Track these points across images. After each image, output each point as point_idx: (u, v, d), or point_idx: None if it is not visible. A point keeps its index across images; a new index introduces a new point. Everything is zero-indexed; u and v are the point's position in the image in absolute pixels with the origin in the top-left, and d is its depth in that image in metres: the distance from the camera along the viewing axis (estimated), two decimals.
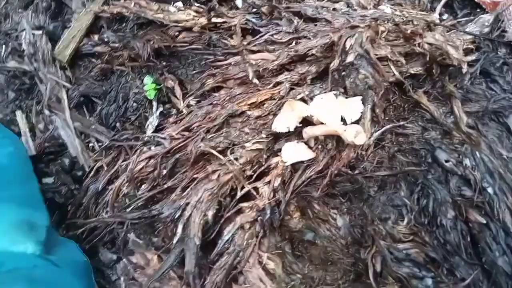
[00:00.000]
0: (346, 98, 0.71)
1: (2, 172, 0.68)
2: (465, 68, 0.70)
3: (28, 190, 0.69)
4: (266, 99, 0.74)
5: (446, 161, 0.64)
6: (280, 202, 0.66)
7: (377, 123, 0.69)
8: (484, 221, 0.60)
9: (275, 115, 0.72)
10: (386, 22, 0.75)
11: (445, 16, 0.83)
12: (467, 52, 0.74)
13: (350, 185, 0.65)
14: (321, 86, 0.75)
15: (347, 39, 0.70)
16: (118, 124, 0.89)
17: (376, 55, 0.70)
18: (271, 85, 0.76)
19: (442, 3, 0.79)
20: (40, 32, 0.96)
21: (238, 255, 0.63)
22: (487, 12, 0.79)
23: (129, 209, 0.73)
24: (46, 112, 0.90)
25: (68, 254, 0.66)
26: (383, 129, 0.68)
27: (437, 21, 0.77)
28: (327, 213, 0.64)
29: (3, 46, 0.98)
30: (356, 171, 0.66)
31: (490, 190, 0.61)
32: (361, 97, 0.69)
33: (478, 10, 0.81)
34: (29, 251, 0.59)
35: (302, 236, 0.64)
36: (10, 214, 0.62)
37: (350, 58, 0.68)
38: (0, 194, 0.64)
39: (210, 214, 0.65)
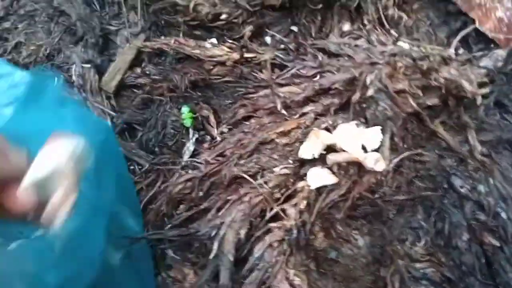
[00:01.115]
0: (367, 127, 0.77)
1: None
2: (479, 100, 0.75)
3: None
4: (293, 128, 0.81)
5: (461, 187, 0.69)
6: (306, 223, 0.72)
7: (396, 151, 0.74)
8: (498, 244, 0.64)
9: (301, 142, 0.79)
10: (404, 57, 0.81)
11: (460, 51, 0.88)
12: (481, 85, 0.79)
13: (370, 208, 0.70)
14: (344, 116, 0.81)
15: (367, 74, 0.76)
16: (157, 149, 0.97)
17: (395, 88, 0.76)
18: (297, 116, 0.82)
19: (457, 38, 0.84)
20: (89, 65, 1.05)
21: (267, 271, 0.69)
22: (501, 48, 0.84)
23: (168, 227, 0.80)
24: None
25: None
26: (401, 156, 0.74)
27: (453, 56, 0.83)
28: (349, 233, 0.69)
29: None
30: (376, 195, 0.71)
31: (503, 215, 0.66)
32: (380, 127, 0.75)
33: (492, 45, 0.86)
34: None
35: (326, 255, 0.69)
36: None
37: (370, 92, 0.75)
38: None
39: (242, 233, 0.72)
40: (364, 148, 0.74)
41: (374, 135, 0.75)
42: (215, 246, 0.70)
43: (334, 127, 0.80)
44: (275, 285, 0.68)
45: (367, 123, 0.78)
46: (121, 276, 0.68)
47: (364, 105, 0.77)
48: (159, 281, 0.77)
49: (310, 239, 0.71)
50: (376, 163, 0.71)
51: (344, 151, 0.74)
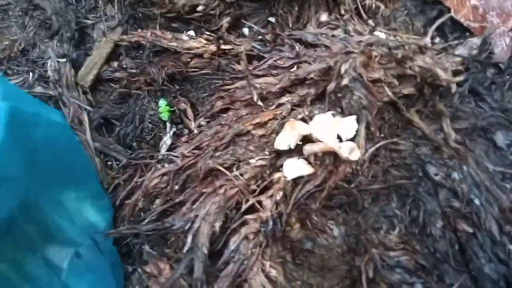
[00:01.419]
0: (343, 117, 0.76)
1: None
2: (453, 88, 0.75)
3: None
4: (269, 119, 0.80)
5: (436, 175, 0.69)
6: (282, 214, 0.71)
7: (372, 140, 0.74)
8: (471, 231, 0.64)
9: (277, 133, 0.78)
10: (379, 47, 0.81)
11: (437, 40, 0.88)
12: (456, 73, 0.79)
13: (346, 198, 0.70)
14: (320, 107, 0.80)
15: (342, 64, 0.76)
16: (134, 144, 0.96)
17: (370, 77, 0.76)
18: (274, 106, 0.82)
19: (433, 27, 0.84)
20: (65, 60, 1.03)
21: (243, 264, 0.68)
22: (475, 36, 0.84)
23: (144, 222, 0.79)
24: None
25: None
26: (377, 145, 0.73)
27: (429, 45, 0.83)
28: (325, 224, 0.69)
29: (30, 73, 1.05)
30: (352, 185, 0.71)
31: (477, 201, 0.66)
32: (355, 116, 0.75)
33: (467, 34, 0.86)
34: None
35: (302, 246, 0.69)
36: None
37: (345, 81, 0.74)
38: None
39: (217, 225, 0.71)
40: (339, 138, 0.74)
41: (349, 125, 0.75)
42: (189, 239, 0.69)
43: (311, 118, 0.79)
44: (251, 277, 0.67)
45: (343, 113, 0.77)
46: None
47: (339, 95, 0.77)
48: (136, 278, 0.76)
49: (286, 230, 0.70)
50: (351, 152, 0.71)
51: (320, 141, 0.74)
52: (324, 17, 0.96)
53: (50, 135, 0.68)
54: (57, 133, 0.72)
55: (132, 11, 1.05)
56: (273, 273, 0.68)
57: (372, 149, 0.73)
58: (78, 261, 0.72)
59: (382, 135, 0.77)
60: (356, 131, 0.74)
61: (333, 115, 0.76)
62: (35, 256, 0.67)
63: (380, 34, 0.87)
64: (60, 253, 0.70)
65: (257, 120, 0.80)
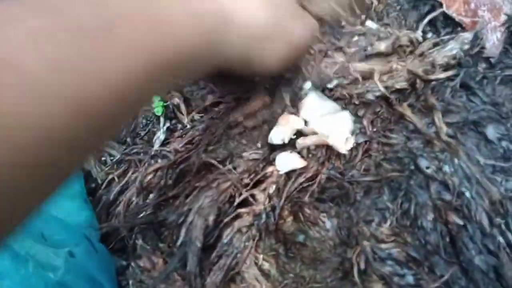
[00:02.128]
0: (337, 112, 0.77)
1: None
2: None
3: None
4: (259, 108, 0.80)
5: (427, 168, 0.69)
6: (275, 208, 0.72)
7: (364, 134, 0.74)
8: (462, 223, 0.64)
9: (269, 124, 0.78)
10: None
11: (429, 35, 0.88)
12: (448, 67, 0.80)
13: (338, 191, 0.70)
14: None
15: None
16: (129, 139, 0.96)
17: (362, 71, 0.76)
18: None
19: (425, 22, 0.85)
20: None
21: (236, 257, 0.68)
22: (467, 31, 0.84)
23: (138, 216, 0.79)
24: None
25: None
26: (370, 139, 0.74)
27: (420, 39, 0.83)
28: (317, 216, 0.69)
29: None
30: (345, 178, 0.71)
31: (467, 194, 0.66)
32: (348, 111, 0.75)
33: (459, 29, 0.86)
34: None
35: (294, 238, 0.69)
36: None
37: None
38: None
39: (210, 219, 0.71)
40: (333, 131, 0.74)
41: (344, 120, 0.75)
42: (183, 232, 0.69)
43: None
44: (244, 270, 0.67)
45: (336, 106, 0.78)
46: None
47: None
48: (130, 272, 0.76)
49: (279, 223, 0.70)
50: (345, 143, 0.71)
51: (314, 133, 0.74)
52: None
53: None
54: None
55: None
56: (266, 265, 0.69)
57: (365, 143, 0.74)
58: (73, 260, 0.72)
59: (375, 130, 0.77)
60: (350, 125, 0.74)
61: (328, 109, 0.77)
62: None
63: (372, 24, 0.87)
64: (54, 253, 0.70)
65: (247, 111, 0.80)
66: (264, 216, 0.70)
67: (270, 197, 0.72)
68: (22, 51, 0.31)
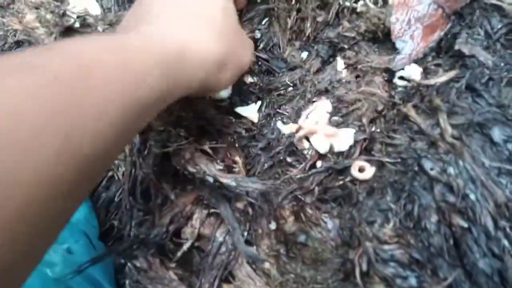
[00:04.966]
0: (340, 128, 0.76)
1: None
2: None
3: None
4: None
5: (431, 169, 0.68)
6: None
7: (363, 132, 0.74)
8: (466, 225, 0.63)
9: None
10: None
11: None
12: (453, 68, 0.79)
13: (340, 191, 0.69)
14: None
15: None
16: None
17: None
18: None
19: None
20: None
21: (230, 255, 0.68)
22: None
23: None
24: None
25: None
26: (372, 139, 0.73)
27: None
28: (319, 217, 0.69)
29: None
30: (347, 179, 0.70)
31: (472, 196, 0.65)
32: (354, 130, 0.75)
33: None
34: None
35: (296, 239, 0.68)
36: None
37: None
38: None
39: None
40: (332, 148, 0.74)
41: (346, 137, 0.74)
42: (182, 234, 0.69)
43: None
44: (237, 268, 0.66)
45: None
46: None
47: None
48: (126, 271, 0.75)
49: (280, 224, 0.69)
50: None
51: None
52: None
53: None
54: None
55: None
56: (266, 265, 0.68)
57: (367, 143, 0.73)
58: (71, 257, 0.71)
59: (378, 130, 0.76)
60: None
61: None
62: None
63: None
64: (52, 249, 0.70)
65: None
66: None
67: None
68: (2, 112, 0.31)
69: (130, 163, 0.75)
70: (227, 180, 0.68)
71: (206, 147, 0.77)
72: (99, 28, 0.94)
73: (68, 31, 0.90)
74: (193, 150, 0.74)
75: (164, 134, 0.77)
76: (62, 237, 0.71)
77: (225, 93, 0.81)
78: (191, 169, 0.70)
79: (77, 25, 0.93)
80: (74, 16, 0.94)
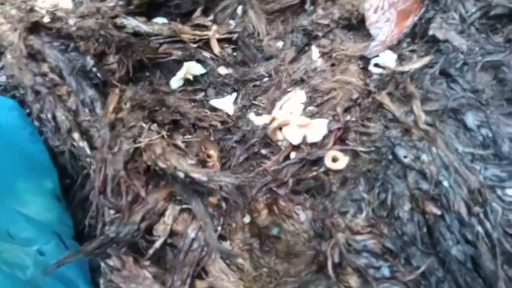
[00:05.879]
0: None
1: None
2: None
3: None
4: None
5: (405, 157, 0.68)
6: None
7: (338, 121, 0.73)
8: (439, 213, 0.63)
9: None
10: None
11: None
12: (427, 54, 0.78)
13: (313, 182, 0.68)
14: None
15: None
16: None
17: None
18: None
19: None
20: None
21: (203, 251, 0.66)
22: None
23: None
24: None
25: None
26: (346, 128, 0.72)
27: None
28: (292, 209, 0.68)
29: None
30: (320, 169, 0.69)
31: (445, 183, 0.64)
32: (327, 120, 0.74)
33: None
34: None
35: (269, 232, 0.67)
36: None
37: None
38: None
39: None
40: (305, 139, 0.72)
41: (318, 128, 0.73)
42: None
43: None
44: (209, 264, 0.65)
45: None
46: None
47: None
48: (100, 271, 0.74)
49: (254, 217, 0.68)
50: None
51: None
52: None
53: None
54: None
55: None
56: (240, 260, 0.67)
57: (341, 131, 0.72)
58: (43, 258, 0.70)
59: (353, 119, 0.75)
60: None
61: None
62: None
63: None
64: (22, 251, 0.68)
65: None
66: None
67: None
68: None
69: (101, 160, 0.73)
70: (198, 175, 0.67)
71: (179, 142, 0.76)
72: (70, 21, 0.92)
73: (35, 27, 0.87)
74: (165, 145, 0.72)
75: (135, 129, 0.76)
76: (32, 239, 0.70)
77: None
78: (161, 164, 0.69)
79: (46, 19, 0.91)
80: (43, 11, 0.91)
